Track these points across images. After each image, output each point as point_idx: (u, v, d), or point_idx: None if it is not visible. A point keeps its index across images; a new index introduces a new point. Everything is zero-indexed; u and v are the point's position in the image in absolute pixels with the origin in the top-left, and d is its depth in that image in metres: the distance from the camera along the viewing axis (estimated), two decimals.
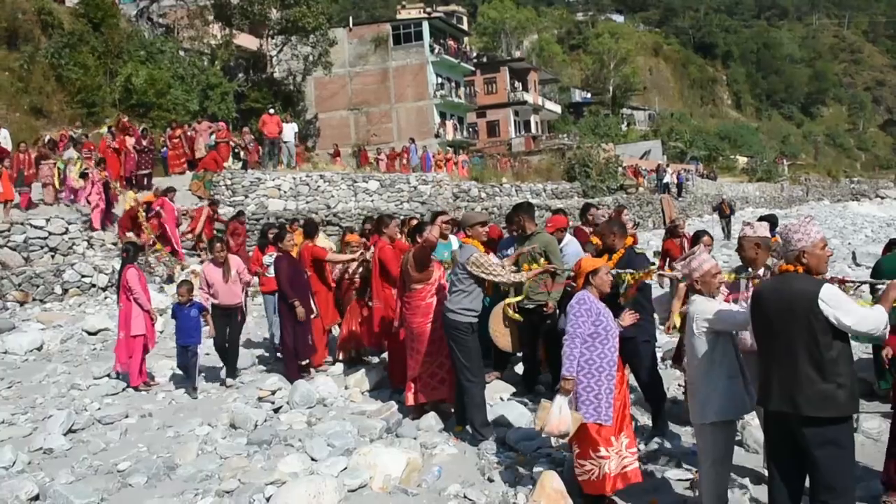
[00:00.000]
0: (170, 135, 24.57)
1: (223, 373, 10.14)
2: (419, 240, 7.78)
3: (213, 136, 25.20)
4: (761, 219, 7.78)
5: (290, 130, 27.39)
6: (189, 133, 24.97)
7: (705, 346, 5.21)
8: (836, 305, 4.39)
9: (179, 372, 10.00)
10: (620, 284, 6.64)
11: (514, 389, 8.64)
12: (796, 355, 4.50)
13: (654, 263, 7.61)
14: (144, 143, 22.46)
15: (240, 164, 25.97)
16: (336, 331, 10.78)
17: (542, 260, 7.72)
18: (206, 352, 10.46)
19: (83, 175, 18.02)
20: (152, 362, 10.57)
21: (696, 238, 8.72)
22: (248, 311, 11.01)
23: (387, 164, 33.82)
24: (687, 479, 6.11)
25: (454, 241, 9.30)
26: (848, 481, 4.50)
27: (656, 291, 7.93)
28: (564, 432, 5.43)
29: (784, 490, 4.70)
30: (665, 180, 44.03)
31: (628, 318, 6.01)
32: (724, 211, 32.01)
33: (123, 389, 9.65)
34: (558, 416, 5.39)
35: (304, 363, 9.72)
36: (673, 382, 8.70)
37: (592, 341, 5.53)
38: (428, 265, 7.59)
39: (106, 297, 15.92)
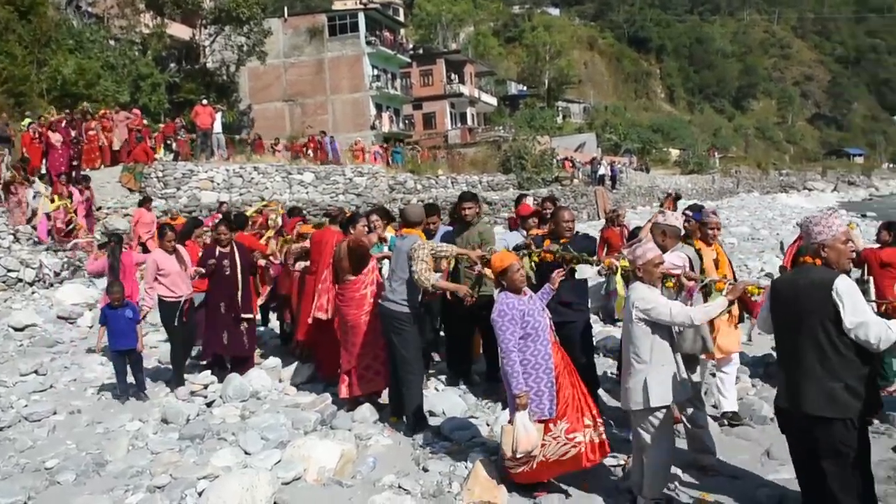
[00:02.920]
0: (85, 126, 22.96)
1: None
2: (352, 231, 7.74)
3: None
4: (687, 208, 7.89)
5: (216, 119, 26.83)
6: (108, 123, 23.96)
7: (641, 332, 5.23)
8: (845, 298, 4.25)
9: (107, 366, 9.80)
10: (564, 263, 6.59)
11: (448, 378, 8.69)
12: (805, 350, 4.34)
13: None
14: (74, 133, 21.83)
15: (171, 155, 25.50)
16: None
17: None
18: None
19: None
20: (82, 359, 10.45)
21: None
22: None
23: (288, 155, 32.32)
24: (618, 466, 6.21)
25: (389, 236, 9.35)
26: (851, 498, 4.32)
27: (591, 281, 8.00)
28: (536, 445, 5.43)
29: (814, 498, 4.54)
30: (600, 172, 44.54)
31: (557, 277, 6.09)
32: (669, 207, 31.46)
33: (51, 386, 9.42)
34: (525, 434, 5.38)
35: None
36: (606, 370, 8.83)
37: (524, 342, 5.53)
38: (366, 265, 7.61)
39: (33, 293, 15.52)
